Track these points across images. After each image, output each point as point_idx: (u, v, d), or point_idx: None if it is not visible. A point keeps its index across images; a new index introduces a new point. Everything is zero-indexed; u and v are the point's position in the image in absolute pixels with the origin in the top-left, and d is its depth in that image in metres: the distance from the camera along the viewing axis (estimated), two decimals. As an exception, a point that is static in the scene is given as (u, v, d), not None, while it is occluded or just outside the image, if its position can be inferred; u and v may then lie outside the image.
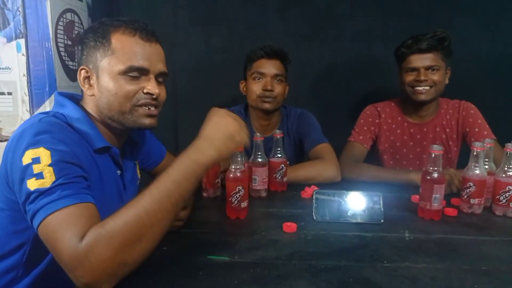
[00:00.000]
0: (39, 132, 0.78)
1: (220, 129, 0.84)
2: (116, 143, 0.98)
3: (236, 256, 0.85)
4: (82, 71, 0.93)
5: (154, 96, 0.91)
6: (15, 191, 0.78)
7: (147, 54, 0.90)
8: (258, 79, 1.54)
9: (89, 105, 0.94)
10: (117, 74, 0.88)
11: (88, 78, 0.92)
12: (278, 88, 1.54)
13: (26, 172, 0.73)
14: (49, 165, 0.73)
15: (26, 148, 0.75)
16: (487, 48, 2.02)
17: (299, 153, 1.69)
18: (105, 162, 0.94)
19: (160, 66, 0.93)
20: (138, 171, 1.14)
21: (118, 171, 0.99)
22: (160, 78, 0.95)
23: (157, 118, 0.96)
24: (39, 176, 0.72)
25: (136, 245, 0.68)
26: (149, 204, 0.71)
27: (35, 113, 1.53)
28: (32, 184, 0.72)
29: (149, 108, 0.92)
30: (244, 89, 1.63)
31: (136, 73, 0.89)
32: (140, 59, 0.89)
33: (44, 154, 0.74)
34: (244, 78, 1.64)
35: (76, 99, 0.96)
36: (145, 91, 0.90)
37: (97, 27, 0.91)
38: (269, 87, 1.52)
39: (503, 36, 2.01)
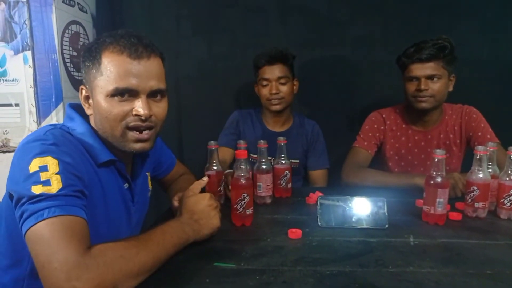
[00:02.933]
0: (46, 142, 0.79)
1: (209, 221, 0.95)
2: (123, 156, 0.96)
3: (242, 263, 0.86)
4: (83, 91, 0.92)
5: (142, 118, 0.87)
6: (13, 195, 0.77)
7: (136, 73, 0.86)
8: (265, 85, 1.68)
9: (92, 121, 0.94)
10: (106, 96, 0.86)
11: (88, 97, 0.92)
12: (284, 89, 1.67)
13: (32, 179, 0.73)
14: (56, 173, 0.75)
15: (33, 157, 0.76)
16: (489, 52, 2.02)
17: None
18: (110, 176, 0.93)
19: (152, 84, 0.88)
20: (149, 183, 1.13)
21: (126, 184, 0.99)
22: (157, 95, 0.91)
23: (151, 140, 0.92)
24: (46, 183, 0.73)
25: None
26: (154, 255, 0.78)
27: (42, 123, 1.55)
28: (38, 189, 0.72)
29: (140, 132, 0.89)
30: (258, 92, 1.76)
31: (124, 94, 0.86)
32: (127, 79, 0.85)
33: (52, 163, 0.75)
34: (256, 82, 1.76)
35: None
36: (133, 112, 0.87)
37: (91, 45, 0.90)
38: (274, 91, 1.66)
39: (504, 39, 2.01)
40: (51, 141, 0.80)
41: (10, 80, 1.53)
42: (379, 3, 2.02)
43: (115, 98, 0.86)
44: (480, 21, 2.00)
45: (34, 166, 0.75)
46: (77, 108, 0.96)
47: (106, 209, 0.91)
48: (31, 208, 0.71)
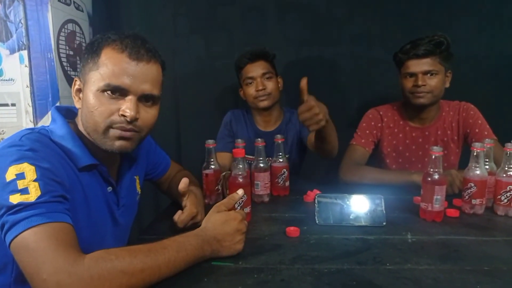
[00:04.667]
0: (21, 148, 0.76)
1: (232, 245, 0.87)
2: (106, 158, 0.93)
3: (240, 262, 0.86)
4: (76, 83, 0.90)
5: (128, 119, 0.84)
6: None
7: (131, 73, 0.84)
8: (250, 83, 1.68)
9: (79, 119, 0.91)
10: (97, 90, 0.84)
11: (79, 90, 0.89)
12: (270, 85, 1.67)
13: (9, 187, 0.71)
14: (34, 180, 0.72)
15: (9, 164, 0.73)
16: (486, 48, 2.02)
17: (300, 148, 1.79)
18: (92, 179, 0.90)
19: (145, 87, 0.86)
20: (138, 187, 1.10)
21: (109, 188, 0.95)
22: (148, 100, 0.88)
23: (134, 141, 0.89)
24: (24, 191, 0.71)
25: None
26: (163, 265, 0.74)
27: (39, 123, 1.54)
28: (16, 199, 0.70)
29: (122, 130, 0.86)
30: (243, 95, 1.75)
31: (115, 92, 0.84)
32: (121, 78, 0.83)
33: (28, 170, 0.73)
34: (240, 85, 1.76)
35: (74, 113, 0.95)
36: (120, 112, 0.84)
37: (95, 40, 0.88)
38: (260, 87, 1.65)
39: (501, 36, 2.01)
40: (27, 147, 0.77)
41: (6, 80, 1.52)
42: (377, 1, 2.02)
43: (105, 94, 0.84)
44: (477, 18, 2.01)
45: (10, 174, 0.72)
46: (62, 111, 0.93)
47: (89, 213, 0.88)
48: (11, 219, 0.69)
